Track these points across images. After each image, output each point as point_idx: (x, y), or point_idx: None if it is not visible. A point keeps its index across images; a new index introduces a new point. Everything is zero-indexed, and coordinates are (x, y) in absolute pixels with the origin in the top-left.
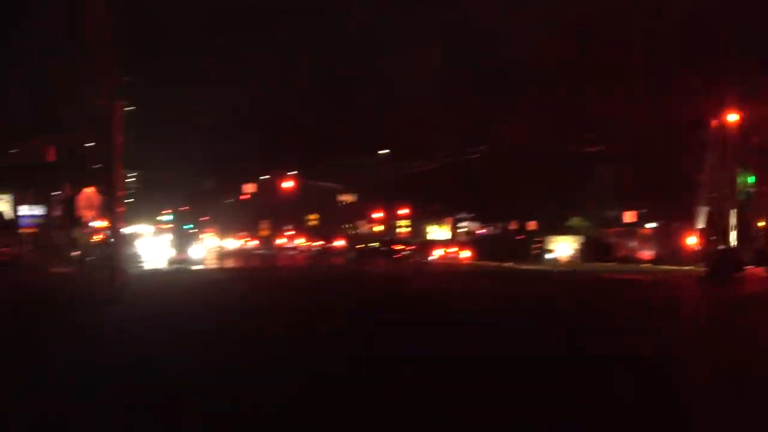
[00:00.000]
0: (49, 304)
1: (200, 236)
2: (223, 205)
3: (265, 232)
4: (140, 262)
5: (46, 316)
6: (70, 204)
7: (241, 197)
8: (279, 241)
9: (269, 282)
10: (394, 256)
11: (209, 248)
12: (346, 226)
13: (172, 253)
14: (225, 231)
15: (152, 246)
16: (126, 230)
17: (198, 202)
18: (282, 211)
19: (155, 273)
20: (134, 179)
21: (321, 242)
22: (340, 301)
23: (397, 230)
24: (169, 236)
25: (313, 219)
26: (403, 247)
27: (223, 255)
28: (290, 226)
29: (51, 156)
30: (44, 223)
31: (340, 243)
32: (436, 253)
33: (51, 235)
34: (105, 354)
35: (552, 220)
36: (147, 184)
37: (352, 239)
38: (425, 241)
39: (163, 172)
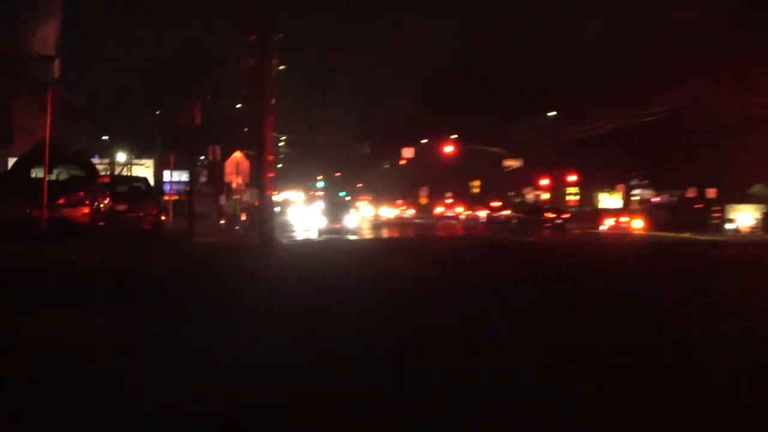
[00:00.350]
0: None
1: (355, 204)
2: (379, 171)
3: (423, 200)
4: (291, 231)
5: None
6: (216, 169)
7: (400, 163)
8: (438, 210)
9: (433, 253)
10: (545, 225)
11: (364, 217)
12: (511, 193)
13: (324, 221)
14: (380, 199)
15: (303, 214)
16: (276, 197)
17: (352, 168)
18: (442, 177)
19: (306, 243)
20: (284, 143)
21: (487, 210)
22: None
23: (566, 198)
24: (321, 204)
25: (475, 186)
26: (555, 215)
27: (379, 224)
28: (450, 194)
29: (197, 119)
30: (189, 190)
31: (505, 212)
32: (607, 223)
33: (196, 202)
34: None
35: (732, 188)
36: (298, 149)
37: (517, 207)
38: (596, 209)
39: (315, 136)
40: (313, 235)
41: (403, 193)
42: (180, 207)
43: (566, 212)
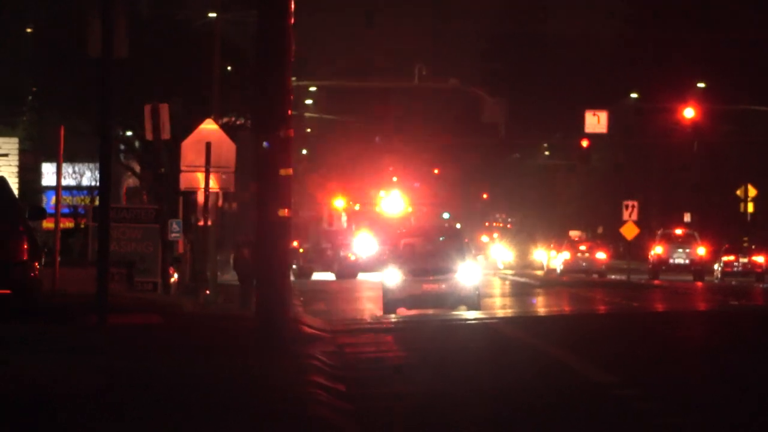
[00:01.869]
0: None
1: (477, 241)
2: (524, 168)
3: (629, 230)
4: (322, 299)
5: None
6: (161, 160)
7: (582, 143)
8: (676, 255)
9: None
10: None
11: (497, 267)
12: None
13: (400, 279)
14: (527, 227)
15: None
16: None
17: (464, 159)
18: (673, 179)
19: (368, 335)
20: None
21: None
22: None
23: None
24: (396, 243)
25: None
26: None
27: (538, 288)
28: (687, 216)
29: (118, 46)
30: (98, 206)
31: None
32: None
33: (116, 234)
34: None
35: None
36: (340, 118)
37: None
38: None
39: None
40: (382, 309)
41: (580, 215)
42: (76, 243)
43: None
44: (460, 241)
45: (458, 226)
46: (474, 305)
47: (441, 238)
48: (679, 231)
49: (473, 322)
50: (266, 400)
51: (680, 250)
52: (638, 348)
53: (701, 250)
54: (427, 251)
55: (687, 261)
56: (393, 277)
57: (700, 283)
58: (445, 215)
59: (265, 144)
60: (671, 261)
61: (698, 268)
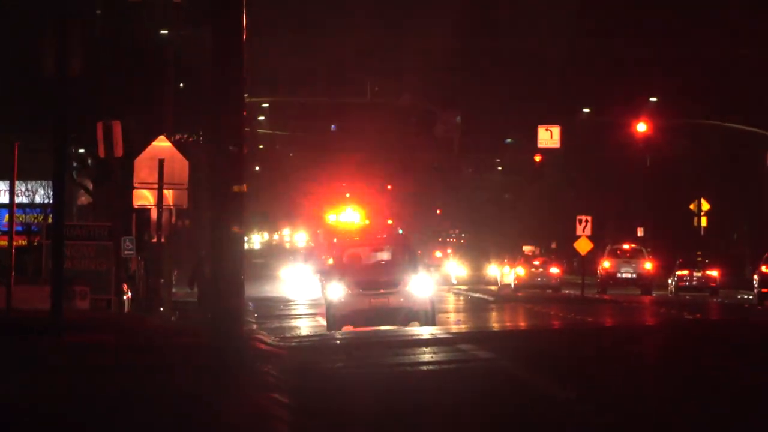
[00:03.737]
0: None
1: (430, 255)
2: (475, 183)
3: (583, 245)
4: (281, 311)
5: None
6: (114, 176)
7: (536, 159)
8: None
9: None
10: None
11: (450, 282)
12: None
13: (344, 292)
14: (479, 242)
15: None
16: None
17: (416, 173)
18: (627, 191)
19: (326, 349)
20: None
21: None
22: None
23: None
24: (343, 255)
25: (703, 211)
26: None
27: (494, 302)
28: (640, 229)
29: (71, 64)
30: (51, 224)
31: None
32: None
33: (71, 251)
34: None
35: None
36: (295, 131)
37: None
38: None
39: (329, 97)
40: (329, 323)
41: (534, 231)
42: (29, 260)
43: None
44: (411, 251)
45: (407, 238)
46: (428, 320)
47: (387, 248)
48: (626, 246)
49: (427, 338)
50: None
51: (627, 264)
52: (593, 363)
53: (648, 265)
54: (374, 262)
55: (634, 275)
56: (336, 291)
57: (648, 298)
58: (399, 231)
59: (231, 148)
60: (619, 275)
61: (645, 282)
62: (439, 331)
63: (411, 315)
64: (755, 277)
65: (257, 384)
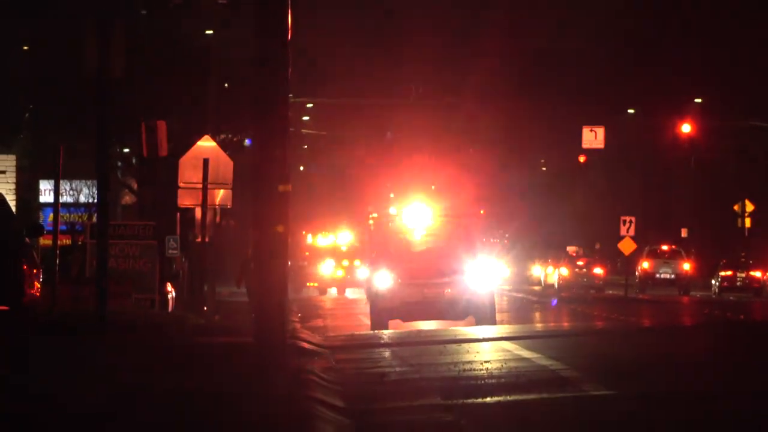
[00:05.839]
0: None
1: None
2: (519, 179)
3: (627, 245)
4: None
5: None
6: (159, 176)
7: (580, 159)
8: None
9: None
10: None
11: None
12: None
13: (390, 282)
14: (520, 241)
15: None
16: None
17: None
18: (669, 194)
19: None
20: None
21: None
22: None
23: None
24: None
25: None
26: None
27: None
28: (684, 230)
29: (115, 65)
30: (97, 223)
31: None
32: None
33: (114, 250)
34: None
35: None
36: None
37: None
38: None
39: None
40: (373, 319)
41: (578, 231)
42: (73, 260)
43: None
44: (470, 234)
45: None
46: (487, 318)
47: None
48: (665, 247)
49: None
50: (268, 414)
51: (666, 265)
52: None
53: (686, 266)
54: (427, 248)
55: (673, 276)
56: (383, 280)
57: (686, 298)
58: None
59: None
60: (657, 276)
61: (684, 283)
62: (506, 333)
63: (468, 309)
64: None
65: (298, 383)
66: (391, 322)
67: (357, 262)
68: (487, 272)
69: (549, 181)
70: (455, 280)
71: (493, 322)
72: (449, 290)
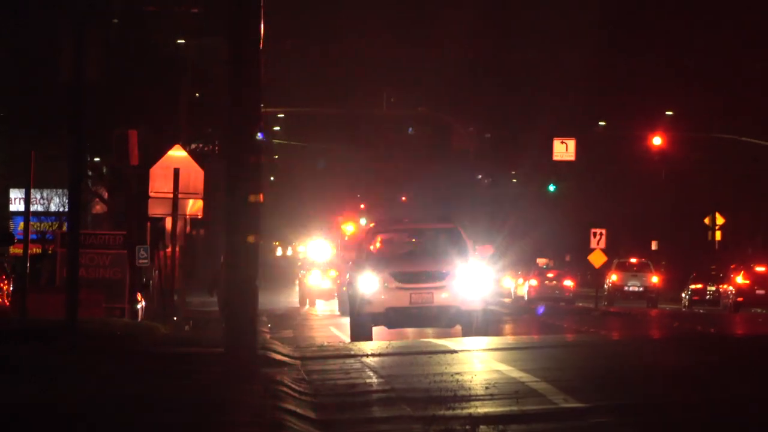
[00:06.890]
0: None
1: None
2: (491, 191)
3: (597, 258)
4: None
5: None
6: (129, 185)
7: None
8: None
9: None
10: None
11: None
12: None
13: (375, 293)
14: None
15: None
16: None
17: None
18: (642, 206)
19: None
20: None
21: None
22: None
23: None
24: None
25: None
26: None
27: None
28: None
29: (89, 71)
30: (67, 232)
31: None
32: None
33: (85, 259)
34: None
35: None
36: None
37: None
38: None
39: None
40: (354, 327)
41: (548, 243)
42: (42, 268)
43: None
44: (460, 235)
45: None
46: (477, 326)
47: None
48: (633, 260)
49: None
50: (238, 423)
51: (634, 278)
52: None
53: (655, 278)
54: (415, 249)
55: (641, 288)
56: (366, 284)
57: (655, 311)
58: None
59: (259, 135)
60: (626, 288)
61: (652, 296)
62: (479, 345)
63: (457, 317)
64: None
65: (269, 394)
66: (375, 330)
67: (332, 272)
68: (480, 276)
69: (520, 193)
70: (446, 284)
71: (485, 333)
72: (438, 296)
